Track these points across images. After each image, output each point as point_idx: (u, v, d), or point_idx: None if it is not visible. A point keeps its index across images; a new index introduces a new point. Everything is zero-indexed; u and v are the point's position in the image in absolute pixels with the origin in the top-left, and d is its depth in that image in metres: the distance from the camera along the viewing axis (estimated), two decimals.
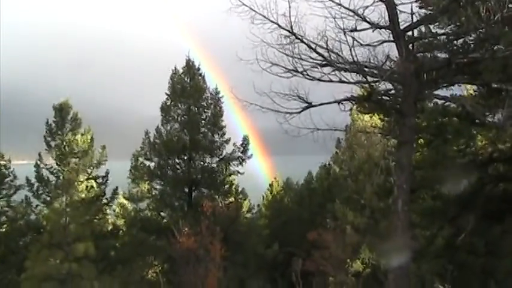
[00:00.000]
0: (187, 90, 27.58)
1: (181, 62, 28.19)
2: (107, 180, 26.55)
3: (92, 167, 25.94)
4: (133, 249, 25.41)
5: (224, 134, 28.03)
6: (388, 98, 13.02)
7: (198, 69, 28.10)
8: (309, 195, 33.57)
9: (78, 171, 24.76)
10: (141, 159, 28.05)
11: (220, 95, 27.84)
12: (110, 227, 27.61)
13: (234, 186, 28.33)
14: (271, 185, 37.47)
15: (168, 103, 27.83)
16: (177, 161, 27.53)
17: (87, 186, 25.49)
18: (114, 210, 30.72)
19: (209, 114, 27.83)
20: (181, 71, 28.06)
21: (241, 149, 27.86)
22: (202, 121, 27.71)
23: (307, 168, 36.39)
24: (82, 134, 25.50)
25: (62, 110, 25.35)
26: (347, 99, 12.43)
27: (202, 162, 27.72)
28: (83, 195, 24.82)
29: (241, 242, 25.80)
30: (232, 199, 27.67)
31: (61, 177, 24.79)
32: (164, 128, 27.77)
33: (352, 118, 26.11)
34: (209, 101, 27.92)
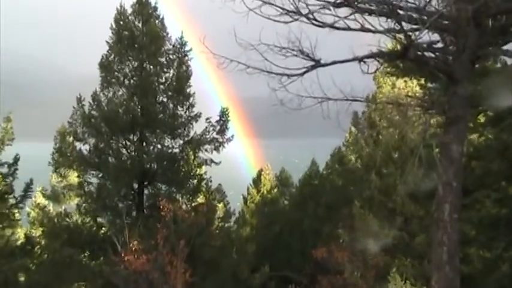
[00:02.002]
0: (139, 39, 27.24)
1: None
2: (15, 170, 26.03)
3: None
4: (55, 272, 25.18)
5: (192, 105, 27.98)
6: (432, 55, 12.79)
7: (155, 8, 27.75)
8: (314, 195, 33.59)
9: None
10: (69, 139, 27.72)
11: (187, 48, 27.66)
12: (19, 240, 27.38)
13: (205, 181, 28.28)
14: (256, 180, 37.42)
15: (111, 58, 27.42)
16: (122, 142, 27.35)
17: None
18: (28, 215, 30.38)
19: (170, 76, 27.66)
20: (130, 10, 27.57)
21: (218, 127, 27.72)
22: (161, 86, 27.56)
23: (312, 156, 36.37)
24: None
25: None
26: (372, 55, 12.15)
27: (159, 146, 27.61)
28: None
29: (214, 261, 25.83)
30: (202, 199, 27.61)
31: None
32: (104, 94, 27.47)
33: (377, 84, 26.01)
34: (171, 57, 27.77)
